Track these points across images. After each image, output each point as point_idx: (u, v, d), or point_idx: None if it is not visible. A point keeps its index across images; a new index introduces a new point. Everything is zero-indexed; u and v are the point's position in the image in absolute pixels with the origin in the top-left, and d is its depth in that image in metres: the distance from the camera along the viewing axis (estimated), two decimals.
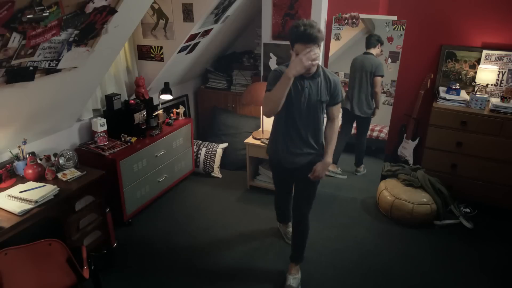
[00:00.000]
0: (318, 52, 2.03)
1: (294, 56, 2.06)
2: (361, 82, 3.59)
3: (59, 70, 2.21)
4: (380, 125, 3.81)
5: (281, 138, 2.33)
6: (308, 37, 1.98)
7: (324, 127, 2.38)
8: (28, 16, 1.65)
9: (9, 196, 2.23)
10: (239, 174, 4.05)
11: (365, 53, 3.54)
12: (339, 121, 2.36)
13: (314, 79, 2.19)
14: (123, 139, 3.19)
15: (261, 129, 3.77)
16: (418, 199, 3.15)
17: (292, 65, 2.02)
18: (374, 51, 3.52)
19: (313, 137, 2.31)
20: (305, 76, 2.15)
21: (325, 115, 2.36)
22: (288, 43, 2.17)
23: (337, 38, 3.62)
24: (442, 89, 3.56)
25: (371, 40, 3.50)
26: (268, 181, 3.64)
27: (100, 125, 3.06)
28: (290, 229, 2.90)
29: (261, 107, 2.27)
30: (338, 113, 2.37)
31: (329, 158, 2.31)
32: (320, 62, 2.29)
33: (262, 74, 3.91)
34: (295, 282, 2.53)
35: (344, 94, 2.33)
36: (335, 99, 2.27)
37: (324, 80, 2.21)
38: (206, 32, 3.56)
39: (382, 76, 3.52)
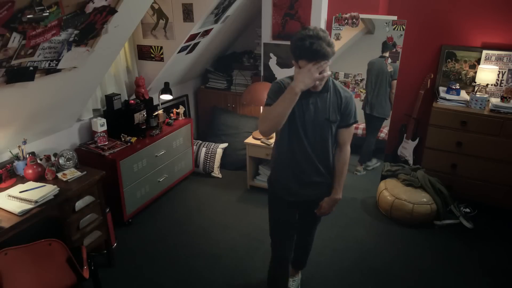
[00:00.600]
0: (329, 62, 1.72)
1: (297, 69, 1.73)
2: (381, 85, 3.63)
3: (59, 70, 2.21)
4: None
5: (286, 164, 1.99)
6: (314, 54, 1.63)
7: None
8: (28, 16, 1.65)
9: (9, 196, 2.22)
10: (239, 174, 4.05)
11: (382, 56, 3.57)
12: (349, 149, 2.01)
13: (321, 94, 1.84)
14: (123, 139, 3.19)
15: None
16: (418, 199, 3.15)
17: (299, 77, 1.67)
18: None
19: (322, 163, 1.97)
20: (311, 90, 1.81)
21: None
22: (288, 42, 1.84)
23: (337, 38, 3.62)
24: (442, 89, 3.56)
25: (388, 44, 3.53)
26: None
27: (100, 125, 3.06)
28: None
29: (258, 124, 1.92)
30: (349, 139, 1.98)
31: (337, 194, 2.02)
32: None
33: (262, 74, 3.92)
34: (294, 285, 2.52)
35: (357, 116, 2.01)
36: (345, 120, 1.91)
37: (334, 96, 1.86)
38: (206, 32, 3.56)
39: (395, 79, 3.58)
